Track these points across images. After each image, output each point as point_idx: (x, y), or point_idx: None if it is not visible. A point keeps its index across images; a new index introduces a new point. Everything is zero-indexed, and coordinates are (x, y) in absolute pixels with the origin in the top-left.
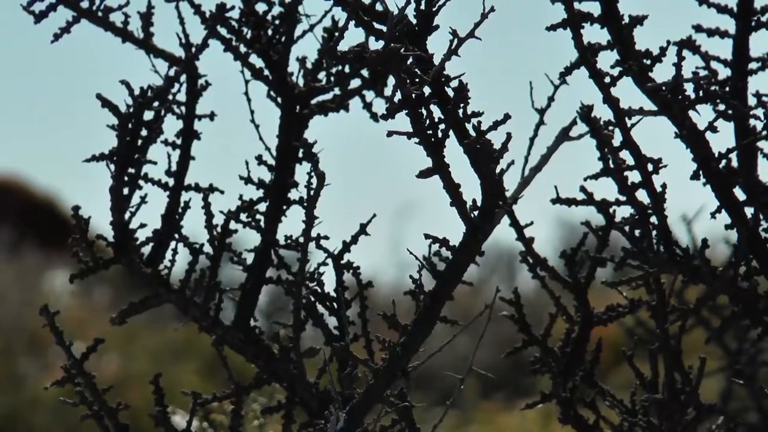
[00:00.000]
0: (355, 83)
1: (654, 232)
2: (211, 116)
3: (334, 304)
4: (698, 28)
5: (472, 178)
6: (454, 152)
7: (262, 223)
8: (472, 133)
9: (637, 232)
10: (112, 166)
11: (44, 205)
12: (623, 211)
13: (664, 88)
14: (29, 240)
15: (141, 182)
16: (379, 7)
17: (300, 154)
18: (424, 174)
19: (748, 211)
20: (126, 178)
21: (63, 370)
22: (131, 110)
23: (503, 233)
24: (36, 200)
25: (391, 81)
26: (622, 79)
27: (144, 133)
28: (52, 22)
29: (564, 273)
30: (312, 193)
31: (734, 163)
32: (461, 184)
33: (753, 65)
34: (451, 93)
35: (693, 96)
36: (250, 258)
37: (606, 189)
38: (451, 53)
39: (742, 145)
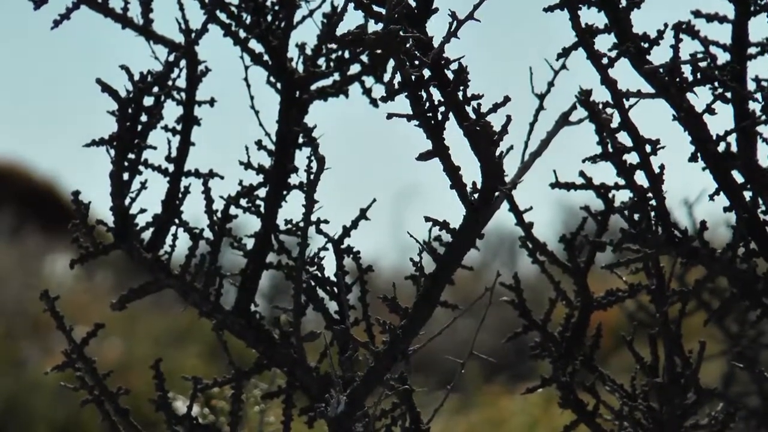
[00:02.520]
0: (354, 68)
1: (652, 214)
2: (211, 102)
3: (335, 289)
4: (697, 13)
5: (472, 161)
6: (454, 135)
7: (262, 208)
8: (472, 115)
9: (636, 216)
10: (112, 152)
11: (44, 190)
12: (622, 195)
13: (661, 70)
14: (30, 224)
15: (141, 168)
16: None
17: (300, 139)
18: (423, 157)
19: (747, 193)
20: (126, 164)
21: (64, 354)
22: (131, 96)
23: (504, 217)
24: (36, 185)
25: (390, 64)
26: (619, 61)
27: (144, 118)
28: (52, 8)
29: (564, 258)
30: (312, 177)
31: (733, 147)
32: (461, 167)
33: (752, 50)
34: (450, 75)
35: (691, 78)
36: (250, 243)
37: (605, 172)
38: (451, 35)
39: (741, 128)
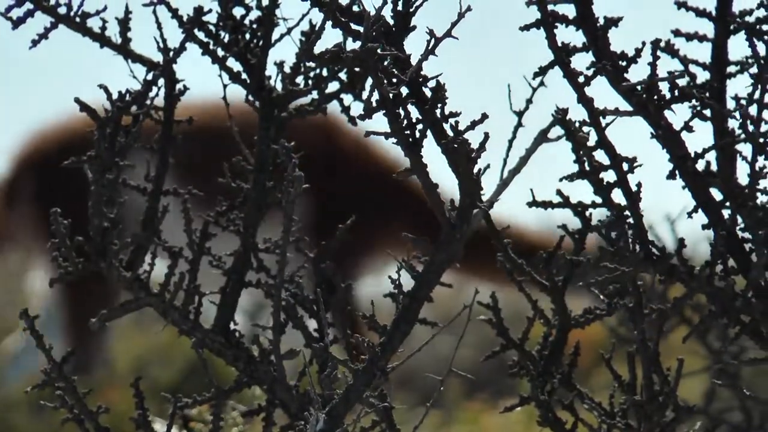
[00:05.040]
0: (333, 86)
1: (630, 232)
2: (189, 121)
3: (314, 307)
4: (677, 33)
5: (451, 178)
6: (432, 152)
7: (241, 227)
8: (450, 133)
9: (613, 234)
10: (91, 171)
11: None
12: (600, 213)
13: (639, 87)
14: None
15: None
16: (355, 7)
17: (278, 158)
18: (401, 174)
19: (726, 211)
20: (105, 183)
21: (43, 373)
22: (110, 115)
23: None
24: None
25: (368, 82)
26: (596, 78)
27: (122, 137)
28: (30, 28)
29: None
30: (290, 196)
31: (712, 165)
32: (439, 184)
33: (732, 68)
34: (428, 93)
35: (668, 96)
36: (229, 261)
37: (583, 189)
38: (429, 53)
39: (719, 146)
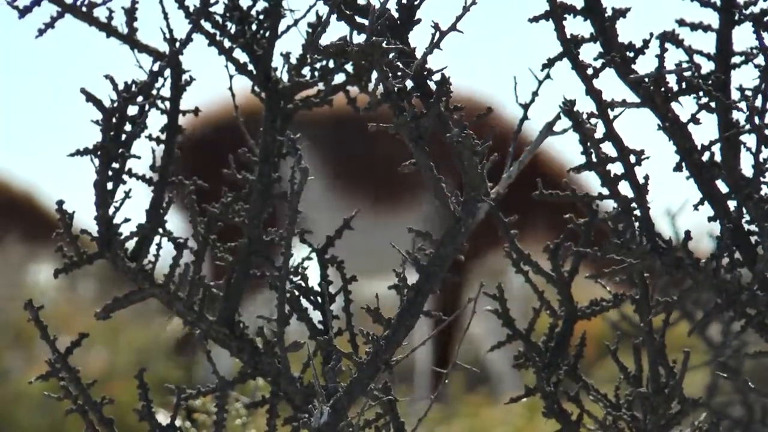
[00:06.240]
0: (339, 78)
1: (637, 225)
2: (196, 111)
3: (318, 299)
4: (681, 22)
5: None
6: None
7: (246, 218)
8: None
9: (620, 226)
10: (96, 161)
11: (24, 200)
12: (606, 205)
13: (646, 79)
14: (12, 234)
15: (125, 177)
16: (361, 0)
17: (284, 149)
18: (406, 168)
19: (731, 203)
20: (110, 173)
21: (47, 364)
22: (115, 105)
23: None
24: (15, 194)
25: (373, 75)
26: (604, 70)
27: (128, 127)
28: (37, 17)
29: (548, 267)
30: (295, 188)
31: (717, 156)
32: (443, 177)
33: (736, 59)
34: (433, 86)
35: (676, 88)
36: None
37: (589, 181)
38: (433, 46)
39: (725, 137)
